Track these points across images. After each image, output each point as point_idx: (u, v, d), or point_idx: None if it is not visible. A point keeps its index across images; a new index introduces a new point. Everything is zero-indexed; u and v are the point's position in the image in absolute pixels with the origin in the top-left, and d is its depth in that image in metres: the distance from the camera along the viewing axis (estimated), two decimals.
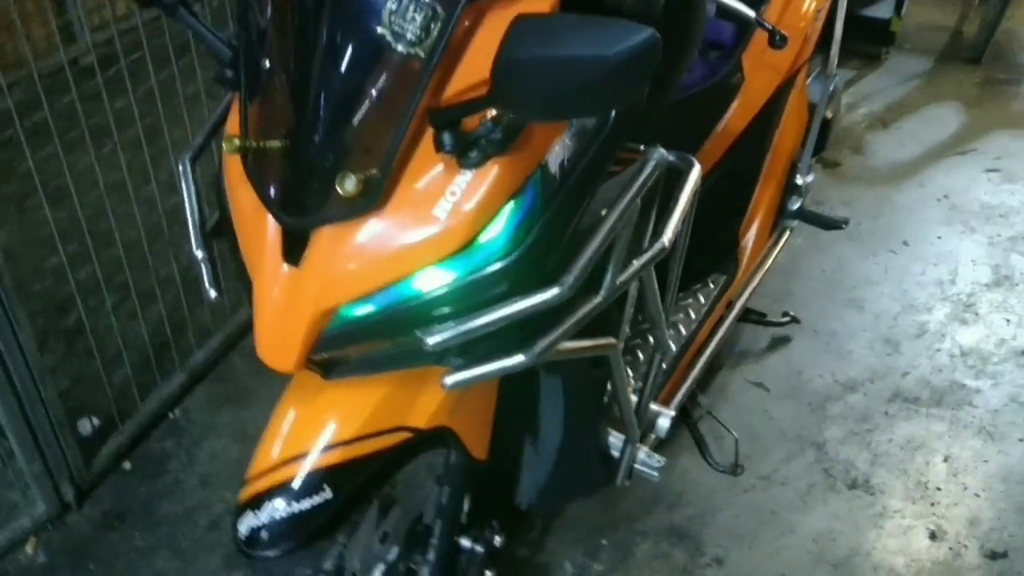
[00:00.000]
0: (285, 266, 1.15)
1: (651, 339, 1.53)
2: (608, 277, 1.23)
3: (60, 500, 2.03)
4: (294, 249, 1.15)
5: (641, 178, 1.21)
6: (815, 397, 2.32)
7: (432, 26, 1.05)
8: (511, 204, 1.13)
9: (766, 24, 1.25)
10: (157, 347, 2.31)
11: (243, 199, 1.20)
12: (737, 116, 1.89)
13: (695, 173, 1.40)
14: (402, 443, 1.30)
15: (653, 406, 1.71)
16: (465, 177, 1.10)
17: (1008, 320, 2.57)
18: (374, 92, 1.09)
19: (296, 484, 1.24)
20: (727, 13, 2.00)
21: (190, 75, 2.22)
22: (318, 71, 1.11)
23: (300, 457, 1.26)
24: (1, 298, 1.75)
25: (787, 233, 2.18)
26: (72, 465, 2.03)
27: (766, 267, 2.11)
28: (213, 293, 1.35)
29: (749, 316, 2.42)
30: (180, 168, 1.36)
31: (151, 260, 2.22)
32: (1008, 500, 2.07)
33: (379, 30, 1.06)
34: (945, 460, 2.17)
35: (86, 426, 2.21)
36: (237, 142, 1.14)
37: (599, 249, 1.16)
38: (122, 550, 1.99)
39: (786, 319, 2.46)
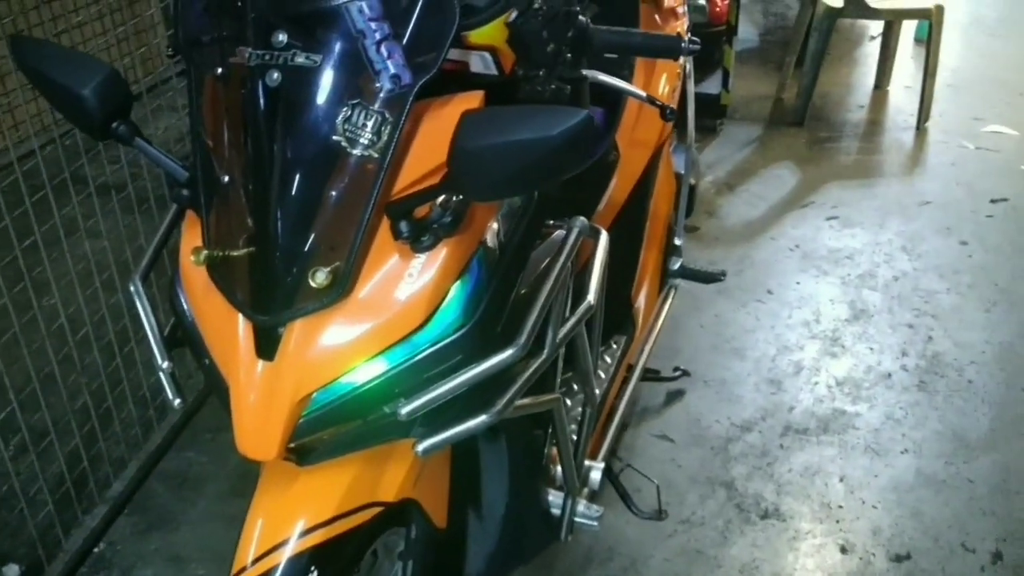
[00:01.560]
0: (260, 362, 1.24)
1: (582, 394, 1.66)
2: (550, 335, 1.37)
3: None
4: (267, 346, 1.24)
5: (569, 244, 1.36)
6: (716, 441, 2.50)
7: (383, 130, 1.18)
8: (460, 281, 1.25)
9: (657, 102, 1.44)
10: (75, 483, 2.29)
11: (211, 306, 1.28)
12: (618, 189, 2.08)
13: (604, 239, 1.57)
14: (373, 518, 1.38)
15: (585, 461, 1.84)
16: (419, 260, 1.23)
17: (871, 348, 2.84)
18: (333, 193, 1.21)
19: (280, 572, 1.29)
20: (601, 98, 2.22)
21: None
22: (277, 179, 1.21)
23: (280, 546, 1.31)
24: None
25: (672, 292, 2.38)
26: None
27: (659, 325, 2.29)
28: (177, 401, 1.40)
29: (645, 374, 2.59)
30: (132, 287, 1.42)
31: (63, 392, 2.22)
32: (902, 507, 2.28)
33: (334, 137, 1.18)
34: (841, 480, 2.37)
35: (13, 573, 2.16)
36: (204, 254, 1.23)
37: (543, 311, 1.30)
38: None
39: (678, 373, 2.65)
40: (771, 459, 2.44)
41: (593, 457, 1.93)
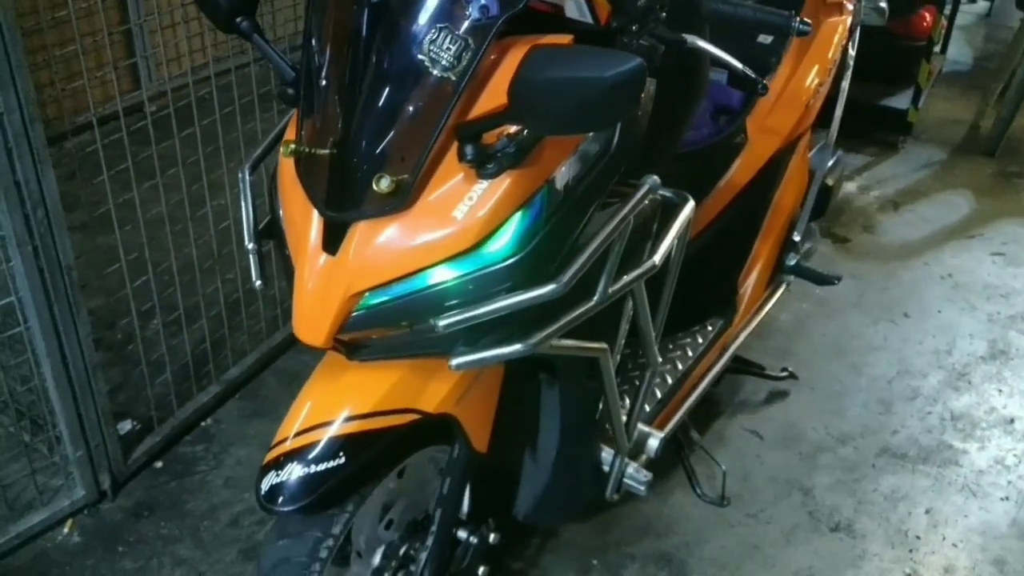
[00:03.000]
0: (324, 255, 1.34)
1: (642, 357, 1.69)
2: (602, 284, 1.41)
3: (98, 488, 2.20)
4: (333, 241, 1.34)
5: (635, 199, 1.39)
6: (807, 447, 2.45)
7: (464, 55, 1.25)
8: (519, 213, 1.31)
9: (751, 74, 1.44)
10: (197, 362, 2.51)
11: (293, 198, 1.39)
12: (739, 173, 2.08)
13: (688, 207, 1.58)
14: (411, 424, 1.47)
15: (644, 427, 1.87)
16: (482, 186, 1.29)
17: (1000, 391, 2.69)
18: (411, 108, 1.29)
19: (314, 449, 1.40)
20: (736, 80, 2.21)
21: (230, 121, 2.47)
22: (365, 89, 1.31)
23: (320, 426, 1.42)
24: (67, 291, 1.96)
25: (783, 286, 2.35)
26: (111, 458, 2.21)
27: (761, 316, 2.27)
28: (259, 283, 1.53)
29: (750, 369, 2.57)
30: (241, 174, 1.56)
31: (199, 281, 2.44)
32: (984, 552, 2.18)
33: (419, 56, 1.26)
34: (927, 512, 2.28)
35: (126, 427, 2.39)
36: (292, 146, 1.35)
37: (592, 256, 1.34)
38: (149, 538, 2.15)
39: (784, 374, 2.60)
40: (859, 475, 2.37)
41: (660, 427, 1.94)
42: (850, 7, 2.32)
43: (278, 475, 1.41)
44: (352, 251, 1.33)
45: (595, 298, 1.41)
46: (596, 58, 1.14)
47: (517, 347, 1.36)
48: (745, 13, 1.43)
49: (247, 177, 1.56)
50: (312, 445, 1.41)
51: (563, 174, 1.36)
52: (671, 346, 2.12)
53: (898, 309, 3.02)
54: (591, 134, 1.39)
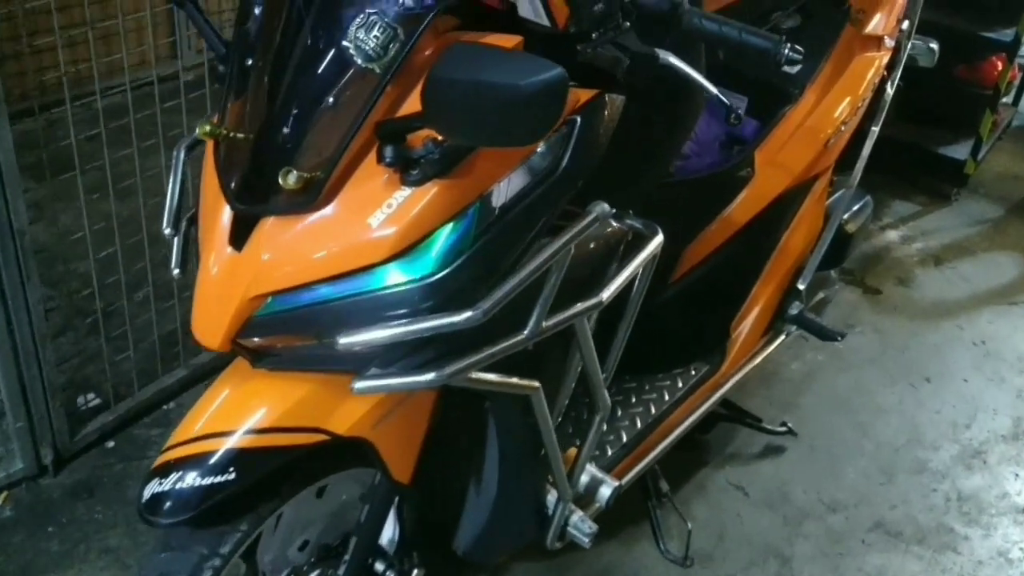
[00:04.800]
0: (229, 249, 1.23)
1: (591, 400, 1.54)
2: (534, 317, 1.27)
3: (38, 462, 2.12)
4: (240, 236, 1.22)
5: (579, 225, 1.25)
6: (793, 510, 2.27)
7: (391, 46, 1.13)
8: (444, 228, 1.18)
9: (724, 100, 1.29)
10: (167, 343, 2.41)
11: (209, 184, 1.28)
12: (742, 209, 1.91)
13: (655, 241, 1.44)
14: (318, 445, 1.34)
15: (598, 473, 1.72)
16: (404, 193, 1.17)
17: (1017, 475, 2.48)
18: (331, 99, 1.17)
19: (204, 460, 1.29)
20: (758, 107, 2.05)
21: None
22: (289, 74, 1.20)
23: (215, 436, 1.31)
24: (17, 255, 1.87)
25: (783, 336, 2.17)
26: (56, 431, 2.12)
27: (753, 365, 2.10)
28: (176, 271, 1.42)
29: (745, 419, 2.40)
30: (176, 152, 1.45)
31: None
32: None
33: (344, 43, 1.14)
34: None
35: (90, 399, 2.31)
36: (208, 127, 1.23)
37: (520, 285, 1.20)
38: (82, 520, 2.06)
39: (782, 429, 2.42)
40: (845, 550, 2.19)
41: (620, 476, 1.79)
42: (890, 44, 2.13)
43: (162, 483, 1.29)
44: (257, 249, 1.21)
45: (525, 332, 1.27)
46: (513, 63, 1.00)
47: (428, 377, 1.22)
48: (729, 33, 1.27)
49: (181, 155, 1.44)
50: (203, 455, 1.29)
51: (501, 191, 1.22)
52: (647, 387, 1.96)
53: (920, 371, 2.81)
54: (539, 149, 1.25)
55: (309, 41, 1.18)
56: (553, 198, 1.26)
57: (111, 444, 2.26)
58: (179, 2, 1.30)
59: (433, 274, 1.18)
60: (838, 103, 2.01)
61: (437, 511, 1.66)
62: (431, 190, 1.17)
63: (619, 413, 1.90)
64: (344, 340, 1.18)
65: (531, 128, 1.03)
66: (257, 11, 1.26)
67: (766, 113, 2.01)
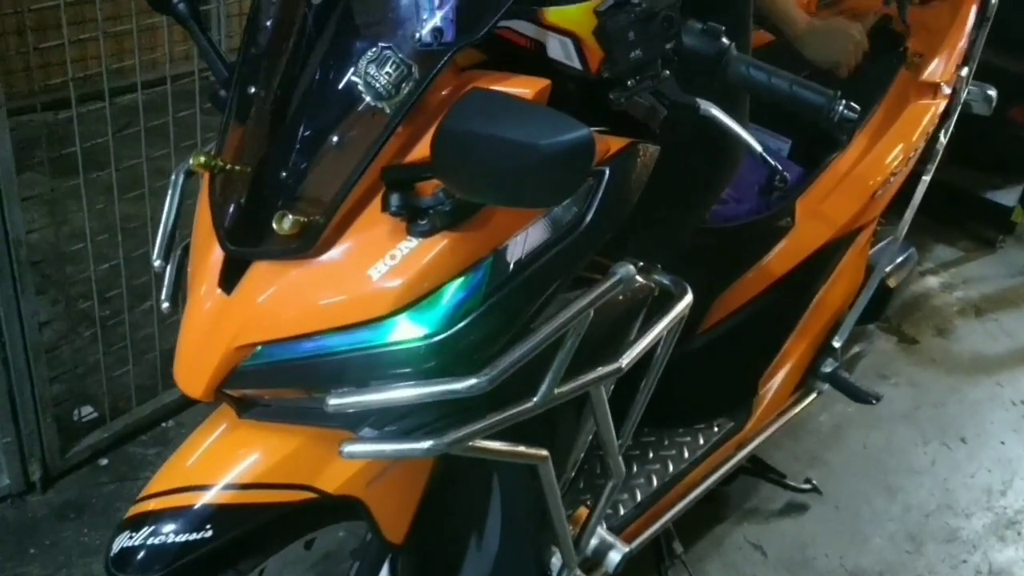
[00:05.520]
0: (218, 291, 1.13)
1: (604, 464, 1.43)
2: (545, 384, 1.16)
3: (26, 479, 2.04)
4: (231, 278, 1.13)
5: (600, 288, 1.14)
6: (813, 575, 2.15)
7: (404, 85, 1.02)
8: (451, 285, 1.08)
9: (770, 161, 1.17)
10: (168, 359, 2.31)
11: (202, 218, 1.18)
12: (779, 260, 1.80)
13: (684, 302, 1.32)
14: (305, 503, 1.24)
15: (608, 536, 1.60)
16: (410, 244, 1.06)
17: None
18: (335, 139, 1.08)
19: (179, 515, 1.19)
20: (799, 153, 1.93)
21: None
22: (293, 108, 1.11)
23: (193, 489, 1.21)
24: (12, 266, 1.78)
25: (813, 395, 2.05)
26: (46, 447, 2.04)
27: (780, 424, 1.97)
28: (165, 306, 1.32)
29: (768, 474, 2.28)
30: (172, 178, 1.35)
31: None
32: None
33: (353, 77, 1.04)
34: None
35: (79, 414, 2.23)
36: (203, 158, 1.13)
37: (533, 350, 1.09)
38: (67, 543, 1.97)
39: (807, 486, 2.30)
40: None
41: (629, 539, 1.68)
42: (947, 91, 2.00)
43: (132, 537, 1.19)
44: (247, 294, 1.11)
45: (535, 399, 1.16)
46: (535, 118, 0.89)
47: (424, 446, 1.12)
48: (779, 85, 1.16)
49: (180, 180, 1.34)
50: (178, 510, 1.19)
51: (517, 245, 1.11)
52: (666, 442, 1.85)
53: (955, 431, 2.67)
54: (564, 203, 1.14)
55: (317, 73, 1.08)
56: (574, 255, 1.15)
57: (104, 462, 2.17)
58: (180, 19, 1.20)
59: (437, 333, 1.08)
60: (888, 152, 1.88)
61: (434, 571, 1.55)
62: (440, 242, 1.06)
63: (635, 469, 1.79)
64: (334, 401, 1.08)
65: (549, 192, 0.92)
66: (265, 35, 1.16)
67: (810, 158, 1.90)
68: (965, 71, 2.03)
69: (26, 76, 2.32)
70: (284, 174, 1.10)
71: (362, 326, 1.08)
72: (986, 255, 3.57)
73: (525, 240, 1.12)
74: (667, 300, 1.35)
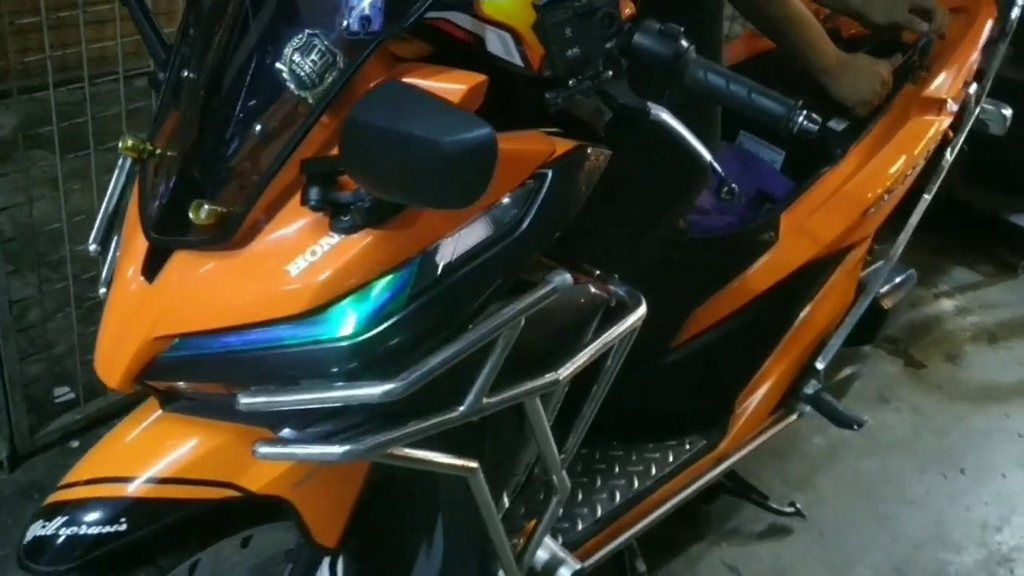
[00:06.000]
0: (141, 280, 1.10)
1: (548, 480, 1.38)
2: (473, 393, 1.11)
3: None
4: (153, 267, 1.10)
5: (533, 296, 1.09)
6: None
7: (328, 74, 0.98)
8: (377, 284, 1.04)
9: (719, 170, 1.11)
10: None
11: (133, 204, 1.15)
12: (760, 276, 1.73)
13: (637, 313, 1.27)
14: (229, 501, 1.20)
15: (559, 552, 1.55)
16: (331, 240, 1.03)
17: None
18: (259, 128, 1.04)
19: (94, 507, 1.16)
20: (793, 166, 1.87)
21: None
22: (220, 94, 1.07)
23: (111, 481, 1.18)
24: None
25: (793, 416, 1.97)
26: (15, 427, 2.02)
27: (756, 445, 1.91)
28: (103, 291, 1.29)
29: (750, 495, 2.21)
30: (120, 161, 1.32)
31: None
32: None
33: (277, 65, 1.00)
34: None
35: (57, 394, 2.22)
36: (131, 142, 1.10)
37: (456, 356, 1.05)
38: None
39: (790, 509, 2.23)
40: None
41: (585, 556, 1.62)
42: (953, 108, 1.92)
43: (45, 527, 1.17)
44: (166, 284, 1.08)
45: (461, 408, 1.12)
46: (440, 116, 0.85)
47: (339, 450, 1.08)
48: (738, 91, 1.10)
49: (126, 164, 1.31)
50: (94, 501, 1.17)
51: (447, 247, 1.07)
52: (634, 457, 1.79)
53: (955, 461, 2.58)
54: (503, 202, 1.10)
55: (245, 59, 1.05)
56: (509, 261, 1.10)
57: (75, 444, 2.16)
58: None
59: (357, 335, 1.04)
60: (883, 170, 1.81)
61: None
62: (363, 240, 1.02)
63: (598, 483, 1.73)
64: (245, 400, 1.05)
65: (454, 192, 0.87)
66: (202, 17, 1.12)
67: (804, 172, 1.83)
68: (975, 88, 1.95)
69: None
70: (207, 162, 1.07)
71: (280, 323, 1.04)
72: (1007, 280, 3.46)
73: (457, 241, 1.07)
74: (622, 310, 1.30)
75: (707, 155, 1.10)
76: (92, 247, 1.26)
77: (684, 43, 1.10)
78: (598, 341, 1.23)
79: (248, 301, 1.04)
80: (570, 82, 1.04)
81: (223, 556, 1.39)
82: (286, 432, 1.14)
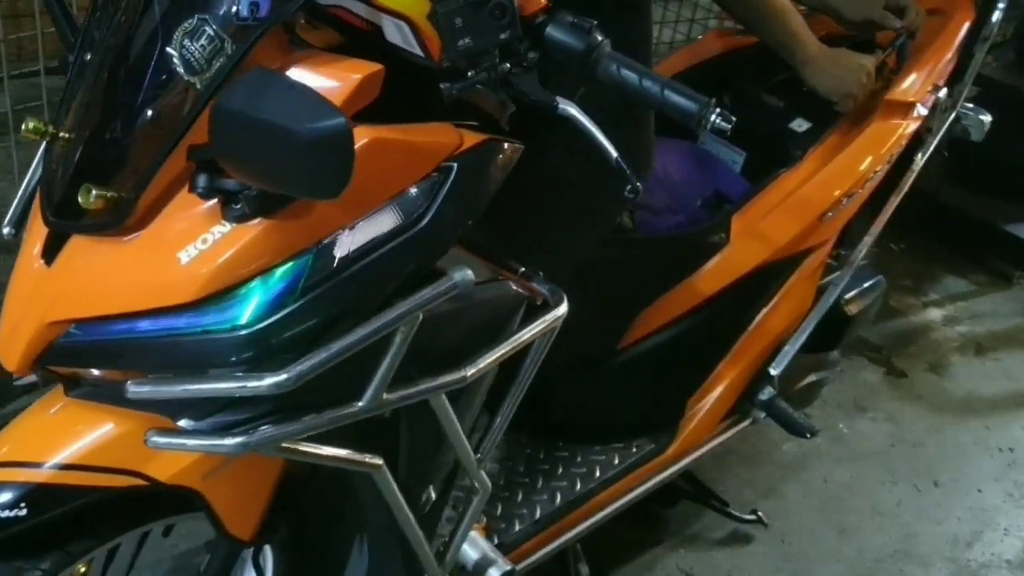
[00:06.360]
0: (40, 263, 1.09)
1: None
2: (372, 388, 1.10)
3: None
4: (52, 250, 1.09)
5: (431, 292, 1.07)
6: None
7: (216, 60, 0.97)
8: (270, 275, 1.02)
9: (624, 167, 1.09)
10: None
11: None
12: (711, 277, 1.71)
13: (557, 312, 1.25)
14: (135, 490, 1.19)
15: (490, 552, 1.53)
16: (223, 229, 1.01)
17: None
18: (150, 113, 1.02)
19: None
20: (753, 167, 1.84)
21: None
22: (115, 78, 1.06)
23: (14, 465, 1.17)
24: None
25: (747, 422, 1.94)
26: None
27: (705, 450, 1.88)
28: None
29: (710, 501, 2.18)
30: (44, 145, 1.31)
31: None
32: None
33: (168, 49, 0.99)
34: None
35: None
36: (33, 124, 1.09)
37: (348, 350, 1.03)
38: None
39: (751, 517, 2.20)
40: None
41: (519, 558, 1.61)
42: (923, 111, 1.88)
43: None
44: (62, 268, 1.07)
45: (360, 404, 1.10)
46: (300, 103, 0.84)
47: (231, 442, 1.07)
48: (650, 88, 1.07)
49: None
50: None
51: (344, 239, 1.05)
52: (579, 459, 1.76)
53: (929, 473, 2.54)
54: (410, 193, 1.08)
55: (140, 41, 1.03)
56: (410, 256, 1.09)
57: None
58: None
59: (248, 326, 1.02)
60: (842, 173, 1.77)
61: (303, 572, 1.50)
62: (255, 229, 1.01)
63: (540, 484, 1.71)
64: (133, 389, 1.04)
65: (314, 181, 0.86)
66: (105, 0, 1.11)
67: (762, 174, 1.80)
68: (944, 92, 1.91)
69: None
70: (102, 146, 1.06)
71: (171, 311, 1.03)
72: (1000, 291, 3.40)
73: (356, 233, 1.06)
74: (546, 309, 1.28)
75: (613, 152, 1.07)
76: (6, 230, 1.26)
77: (598, 37, 1.08)
78: (511, 340, 1.21)
79: (140, 288, 1.04)
80: (469, 73, 1.02)
81: (149, 544, 1.38)
82: (185, 422, 1.12)
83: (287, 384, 1.01)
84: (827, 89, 1.68)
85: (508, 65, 1.03)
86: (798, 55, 1.64)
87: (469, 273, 1.08)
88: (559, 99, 1.09)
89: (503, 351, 1.20)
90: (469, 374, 1.16)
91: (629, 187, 1.07)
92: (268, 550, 1.50)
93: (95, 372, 1.13)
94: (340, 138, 0.81)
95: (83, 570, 1.30)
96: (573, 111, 1.08)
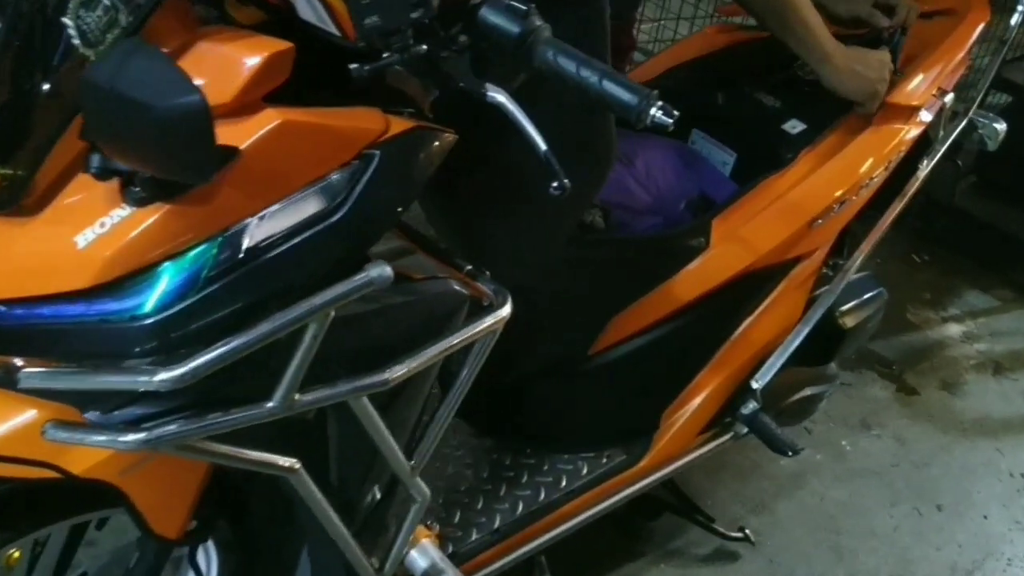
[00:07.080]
0: None
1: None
2: (283, 387, 1.03)
3: None
4: None
5: (344, 288, 1.00)
6: None
7: (110, 32, 0.91)
8: (169, 263, 0.97)
9: (554, 165, 1.01)
10: None
11: None
12: (689, 283, 1.62)
13: (499, 315, 1.18)
14: (49, 483, 1.14)
15: (439, 562, 1.46)
16: (123, 212, 0.96)
17: None
18: (46, 87, 0.97)
19: None
20: (742, 170, 1.76)
21: None
22: (17, 49, 1.00)
23: None
24: None
25: (727, 436, 1.85)
26: None
27: (680, 464, 1.79)
28: None
29: (696, 516, 2.10)
30: None
31: None
32: None
33: (63, 19, 0.93)
34: None
35: None
36: None
37: (249, 346, 0.97)
38: None
39: (738, 534, 2.11)
40: None
41: (475, 568, 1.54)
42: (927, 116, 1.78)
43: None
44: None
45: (270, 404, 1.04)
46: (159, 79, 0.79)
47: (126, 439, 1.01)
48: (588, 77, 1.00)
49: None
50: None
51: (254, 227, 0.99)
52: (545, 467, 1.69)
53: (932, 496, 2.43)
54: (332, 179, 1.02)
55: (43, 11, 0.98)
56: (326, 248, 1.02)
57: None
58: None
59: (146, 316, 0.97)
60: (834, 179, 1.68)
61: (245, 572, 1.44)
62: (154, 214, 0.95)
63: (502, 491, 1.64)
64: (23, 375, 0.99)
65: (173, 160, 0.81)
66: None
67: (752, 176, 1.71)
68: (950, 97, 1.80)
69: None
70: (1, 121, 1.00)
71: (67, 297, 0.98)
72: (1019, 306, 3.27)
73: (266, 221, 1.00)
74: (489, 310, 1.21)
75: (543, 145, 1.00)
76: None
77: (536, 21, 1.01)
78: (442, 342, 1.14)
79: (36, 272, 0.98)
80: (384, 54, 0.96)
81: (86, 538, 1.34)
82: (93, 414, 1.07)
83: (184, 379, 0.95)
84: (850, 89, 1.61)
85: (425, 47, 0.96)
86: (816, 51, 1.56)
87: (387, 269, 1.02)
88: (489, 86, 1.01)
89: (432, 353, 1.13)
90: (392, 377, 1.09)
91: (555, 184, 0.99)
92: (211, 550, 1.45)
93: None
94: (196, 116, 0.76)
95: (16, 555, 1.26)
96: (502, 99, 1.01)
